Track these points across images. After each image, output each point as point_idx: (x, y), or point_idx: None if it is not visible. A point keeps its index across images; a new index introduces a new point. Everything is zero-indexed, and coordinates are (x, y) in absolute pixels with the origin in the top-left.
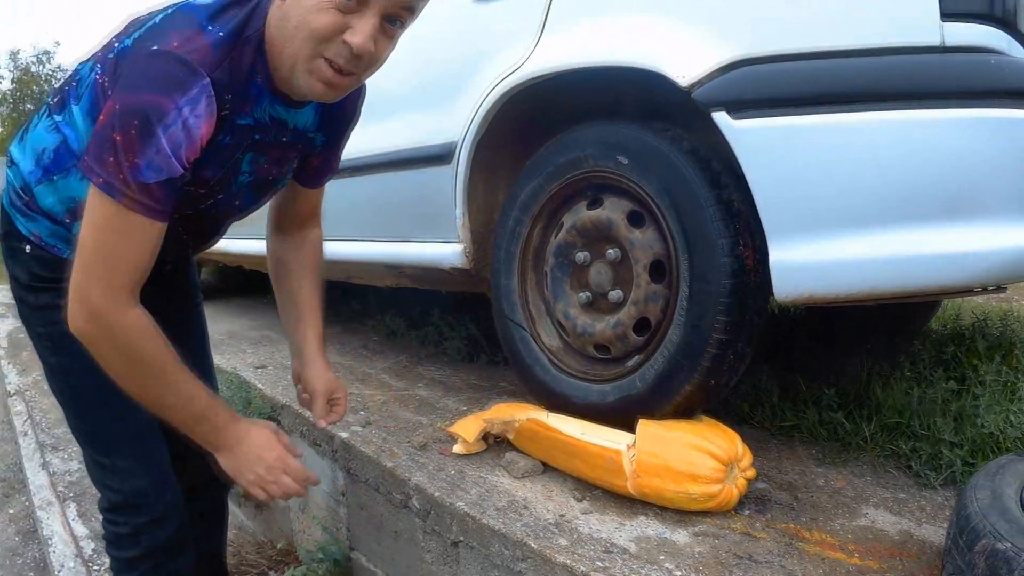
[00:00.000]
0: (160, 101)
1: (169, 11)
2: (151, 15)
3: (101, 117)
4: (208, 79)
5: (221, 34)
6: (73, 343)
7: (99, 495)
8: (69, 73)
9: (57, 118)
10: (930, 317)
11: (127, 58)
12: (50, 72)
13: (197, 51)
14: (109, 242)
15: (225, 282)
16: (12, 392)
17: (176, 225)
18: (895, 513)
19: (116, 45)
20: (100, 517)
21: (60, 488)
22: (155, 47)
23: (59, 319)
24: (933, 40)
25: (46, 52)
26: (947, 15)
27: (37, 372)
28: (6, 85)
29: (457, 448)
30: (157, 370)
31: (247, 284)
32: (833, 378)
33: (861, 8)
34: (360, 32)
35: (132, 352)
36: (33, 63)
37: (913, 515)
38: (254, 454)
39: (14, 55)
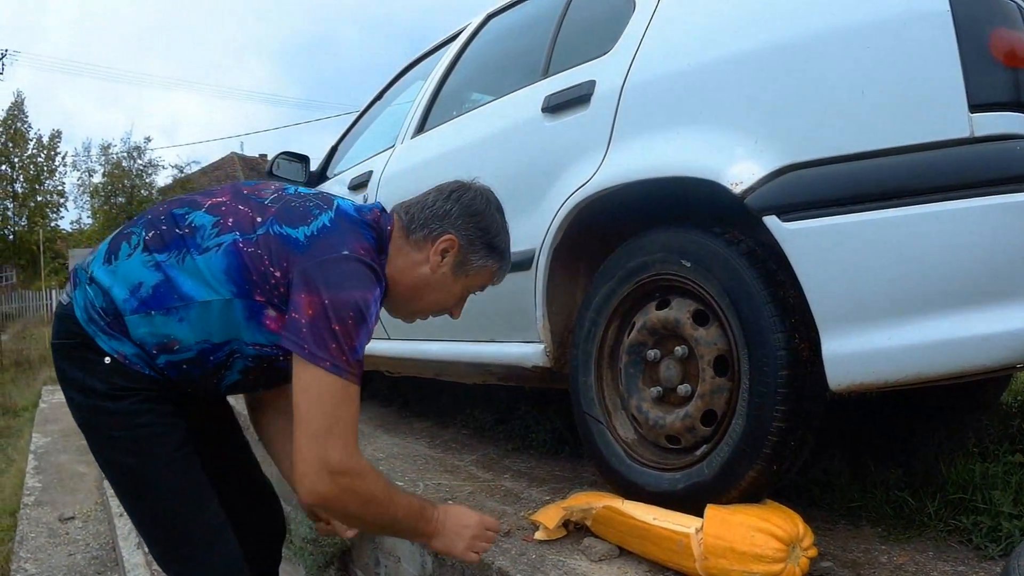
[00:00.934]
0: (366, 296)
1: (332, 213)
2: (302, 203)
3: (308, 309)
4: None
5: (378, 256)
6: (148, 443)
7: None
8: (164, 213)
9: (159, 256)
10: (1000, 393)
11: (312, 254)
12: (141, 167)
13: (375, 262)
14: (338, 412)
15: None
16: None
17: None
18: None
19: (262, 221)
20: None
21: (155, 567)
22: (346, 252)
23: (139, 422)
24: (963, 132)
25: (137, 148)
26: (975, 107)
27: None
28: (98, 178)
29: (539, 534)
30: (387, 498)
31: None
32: (902, 457)
33: (894, 110)
34: (460, 310)
35: (371, 492)
36: (124, 158)
37: None
38: (458, 528)
39: (105, 149)
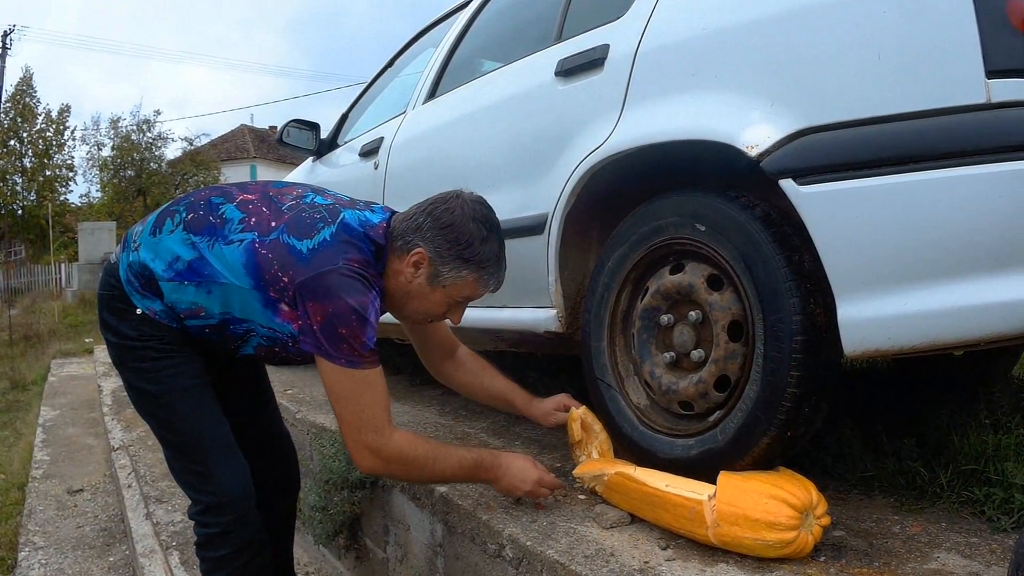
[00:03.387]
0: (362, 301)
1: (334, 228)
2: (311, 216)
3: (317, 317)
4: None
5: (373, 267)
6: (167, 373)
7: (190, 502)
8: (204, 199)
9: (194, 238)
10: (1012, 366)
11: (312, 267)
12: (150, 140)
13: (367, 272)
14: (363, 400)
15: None
16: (116, 447)
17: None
18: (966, 556)
19: (276, 226)
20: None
21: (163, 537)
22: (340, 264)
23: (160, 356)
24: (980, 98)
25: (146, 121)
26: (992, 73)
27: (141, 428)
28: (107, 152)
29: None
30: (432, 458)
31: None
32: (914, 428)
33: (910, 74)
34: (458, 317)
35: (413, 459)
36: (133, 131)
37: (983, 558)
38: (518, 478)
39: (115, 123)
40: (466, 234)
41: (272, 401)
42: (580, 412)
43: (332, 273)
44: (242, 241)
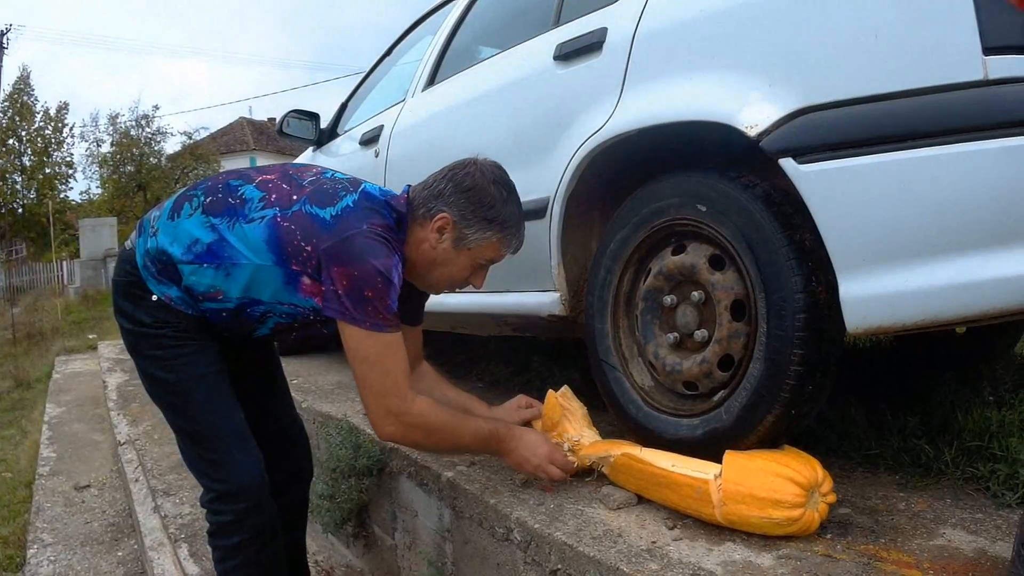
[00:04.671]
0: (386, 263)
1: (356, 196)
2: (333, 187)
3: (343, 281)
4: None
5: (395, 233)
6: (182, 360)
7: (203, 490)
8: (222, 183)
9: (214, 220)
10: (1013, 344)
11: (336, 232)
12: (149, 135)
13: (391, 236)
14: (386, 362)
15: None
16: (123, 442)
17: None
18: (971, 532)
19: (297, 199)
20: (209, 549)
21: (172, 530)
22: (365, 227)
23: (175, 344)
24: (977, 75)
25: (145, 116)
26: (989, 50)
27: (147, 423)
28: (106, 148)
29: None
30: (451, 427)
31: None
32: (918, 406)
33: (908, 52)
34: (481, 279)
35: (433, 425)
36: (132, 127)
37: (989, 533)
38: (529, 452)
39: (113, 119)
40: (488, 196)
41: (286, 390)
42: (559, 394)
43: (357, 236)
44: (263, 218)
